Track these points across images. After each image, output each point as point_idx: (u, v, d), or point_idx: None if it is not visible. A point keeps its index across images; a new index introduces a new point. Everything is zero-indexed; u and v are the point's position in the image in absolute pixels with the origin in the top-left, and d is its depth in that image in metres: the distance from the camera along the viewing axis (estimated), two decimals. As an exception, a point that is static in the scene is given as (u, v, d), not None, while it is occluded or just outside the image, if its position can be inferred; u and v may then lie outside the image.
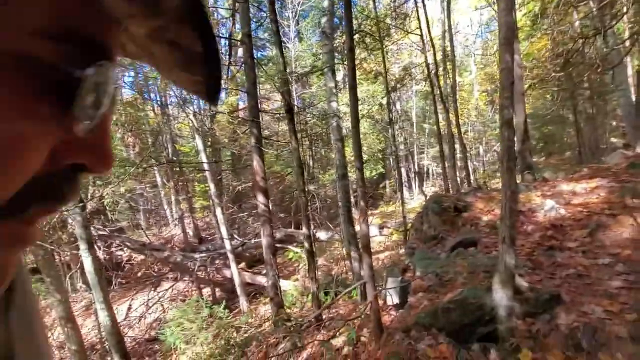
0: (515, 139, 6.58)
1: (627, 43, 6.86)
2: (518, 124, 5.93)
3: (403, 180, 18.33)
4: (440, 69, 7.34)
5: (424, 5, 6.63)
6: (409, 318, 2.74)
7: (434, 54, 6.75)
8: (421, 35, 6.58)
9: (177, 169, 10.77)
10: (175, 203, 12.24)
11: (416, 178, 20.55)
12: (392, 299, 3.39)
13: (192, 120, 7.10)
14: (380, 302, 3.27)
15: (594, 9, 7.68)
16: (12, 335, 0.26)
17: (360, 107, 11.82)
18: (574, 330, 2.05)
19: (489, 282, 2.50)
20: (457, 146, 8.17)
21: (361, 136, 12.15)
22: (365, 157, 11.41)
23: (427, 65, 6.78)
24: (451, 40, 6.56)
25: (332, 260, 7.37)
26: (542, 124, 12.93)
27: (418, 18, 6.80)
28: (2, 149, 0.17)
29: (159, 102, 12.30)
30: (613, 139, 11.86)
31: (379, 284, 3.56)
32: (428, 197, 6.90)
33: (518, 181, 5.76)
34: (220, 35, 6.84)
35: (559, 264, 3.11)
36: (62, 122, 0.20)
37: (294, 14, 10.90)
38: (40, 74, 0.18)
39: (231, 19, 5.62)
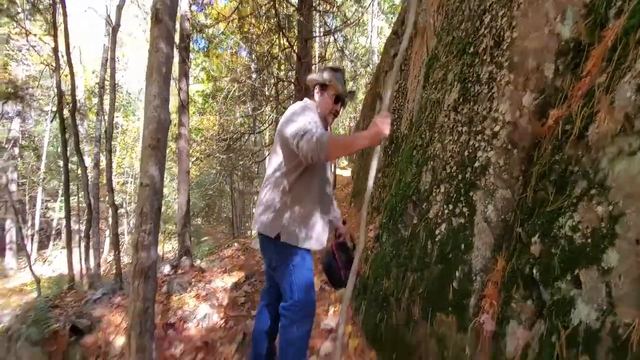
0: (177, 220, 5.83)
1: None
2: (181, 205, 5.23)
3: (9, 240, 12.14)
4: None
5: (64, 9, 4.22)
6: None
7: (72, 78, 4.51)
8: (55, 49, 4.32)
9: None
10: None
11: (33, 240, 14.21)
12: None
13: None
14: None
15: (250, 110, 9.42)
16: None
17: None
18: None
19: None
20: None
21: None
22: None
23: (60, 89, 4.45)
24: (112, 76, 4.87)
25: None
26: (206, 193, 13.91)
27: (54, 23, 4.48)
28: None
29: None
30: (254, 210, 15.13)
31: None
32: (21, 307, 3.90)
33: (172, 270, 4.87)
34: None
35: None
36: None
37: None
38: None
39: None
